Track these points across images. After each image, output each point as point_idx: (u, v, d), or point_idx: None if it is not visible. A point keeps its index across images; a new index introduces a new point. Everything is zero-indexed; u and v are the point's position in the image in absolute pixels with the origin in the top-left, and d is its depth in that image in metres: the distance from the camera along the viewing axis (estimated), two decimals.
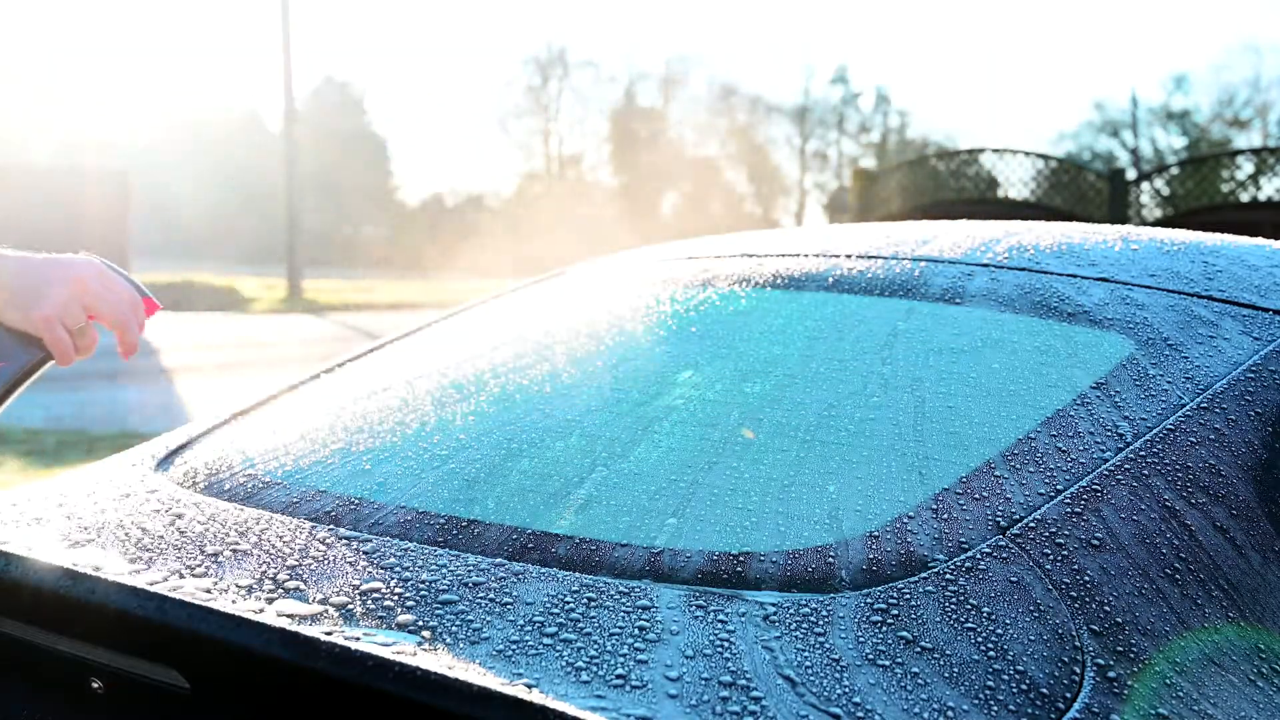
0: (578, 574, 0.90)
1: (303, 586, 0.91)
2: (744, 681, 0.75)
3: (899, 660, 0.77)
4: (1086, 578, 0.86)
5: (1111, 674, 0.79)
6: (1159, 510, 0.93)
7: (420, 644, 0.80)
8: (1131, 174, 23.41)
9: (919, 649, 0.78)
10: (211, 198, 43.08)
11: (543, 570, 0.91)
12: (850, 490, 1.00)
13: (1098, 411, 1.04)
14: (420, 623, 0.83)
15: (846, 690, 0.74)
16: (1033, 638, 0.80)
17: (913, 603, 0.83)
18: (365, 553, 0.97)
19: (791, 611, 0.82)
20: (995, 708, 0.74)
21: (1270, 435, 1.04)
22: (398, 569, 0.93)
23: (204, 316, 20.17)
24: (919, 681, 0.76)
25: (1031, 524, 0.90)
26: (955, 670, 0.77)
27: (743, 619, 0.82)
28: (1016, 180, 21.37)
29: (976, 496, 0.94)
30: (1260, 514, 0.98)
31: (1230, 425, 1.03)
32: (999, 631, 0.80)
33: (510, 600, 0.87)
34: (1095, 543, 0.89)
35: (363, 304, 21.85)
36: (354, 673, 0.77)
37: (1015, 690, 0.76)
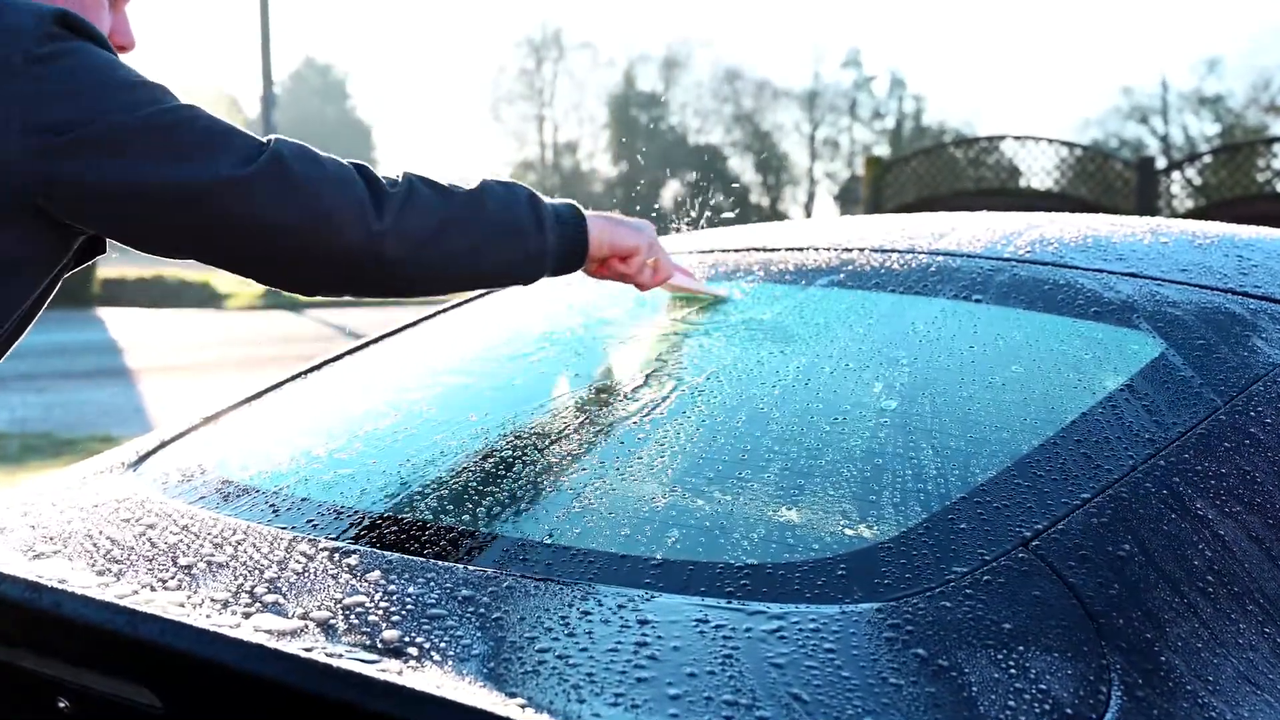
0: (575, 587, 0.90)
1: (282, 600, 0.91)
2: (749, 700, 0.75)
3: (914, 679, 0.78)
4: (1113, 591, 0.86)
5: (1140, 693, 0.79)
6: (1190, 520, 0.93)
7: (406, 661, 0.80)
8: (1161, 163, 23.43)
9: (935, 667, 0.79)
10: None
11: (537, 583, 0.91)
12: (862, 497, 1.00)
13: (1125, 415, 1.04)
14: (406, 638, 0.83)
15: (858, 710, 0.74)
16: (1056, 655, 0.80)
17: (929, 618, 0.83)
18: (348, 564, 0.97)
19: (800, 626, 0.83)
20: None
21: None
22: (382, 581, 0.93)
23: (177, 314, 20.18)
24: (935, 702, 0.76)
25: (1055, 535, 0.90)
26: (974, 690, 0.77)
27: (748, 634, 0.82)
28: (1039, 169, 21.38)
29: (996, 505, 0.94)
30: None
31: (1266, 429, 1.03)
32: (1020, 648, 0.80)
33: (502, 614, 0.87)
34: (1123, 554, 0.89)
35: (345, 300, 21.80)
36: (337, 691, 0.77)
37: (1038, 711, 0.76)
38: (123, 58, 1.30)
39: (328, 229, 1.13)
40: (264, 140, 1.15)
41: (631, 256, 1.41)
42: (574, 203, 1.36)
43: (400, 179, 1.21)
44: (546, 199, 1.33)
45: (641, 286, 1.45)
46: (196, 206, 1.10)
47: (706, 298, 1.50)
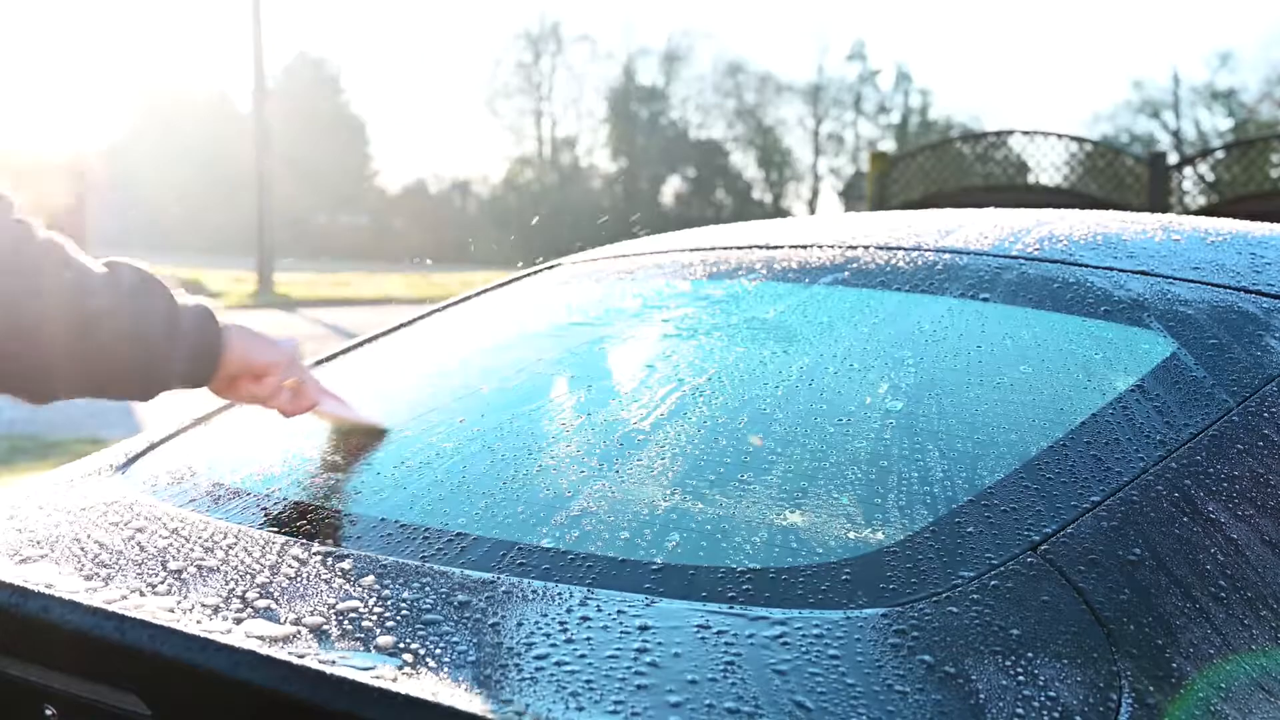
0: (573, 592, 0.90)
1: (274, 605, 0.91)
2: (752, 708, 0.75)
3: (920, 686, 0.78)
4: (1123, 597, 0.86)
5: (1150, 700, 0.79)
6: (1202, 523, 0.93)
7: (401, 667, 0.80)
8: (1173, 158, 23.44)
9: (942, 673, 0.79)
10: (176, 184, 43.12)
11: (534, 587, 0.91)
12: (868, 501, 1.00)
13: (1136, 416, 1.04)
14: (401, 644, 0.83)
15: (863, 718, 0.74)
16: (1065, 661, 0.80)
17: (935, 623, 0.83)
18: (342, 569, 0.97)
19: (804, 632, 0.83)
20: None
21: None
22: (377, 586, 0.93)
23: None
24: (941, 709, 0.76)
25: (1064, 539, 0.90)
26: (981, 697, 0.77)
27: (751, 640, 0.82)
28: (1048, 165, 21.37)
29: (1004, 508, 0.94)
30: None
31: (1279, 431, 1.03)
32: (1029, 654, 0.80)
33: (499, 620, 0.87)
34: (1133, 558, 0.89)
35: (339, 298, 21.84)
36: (330, 698, 0.77)
37: (1047, 718, 0.76)
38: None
39: None
40: None
41: (266, 376, 1.26)
42: (208, 305, 1.23)
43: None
44: (178, 298, 1.19)
45: (283, 413, 1.29)
46: None
47: (361, 426, 1.34)
